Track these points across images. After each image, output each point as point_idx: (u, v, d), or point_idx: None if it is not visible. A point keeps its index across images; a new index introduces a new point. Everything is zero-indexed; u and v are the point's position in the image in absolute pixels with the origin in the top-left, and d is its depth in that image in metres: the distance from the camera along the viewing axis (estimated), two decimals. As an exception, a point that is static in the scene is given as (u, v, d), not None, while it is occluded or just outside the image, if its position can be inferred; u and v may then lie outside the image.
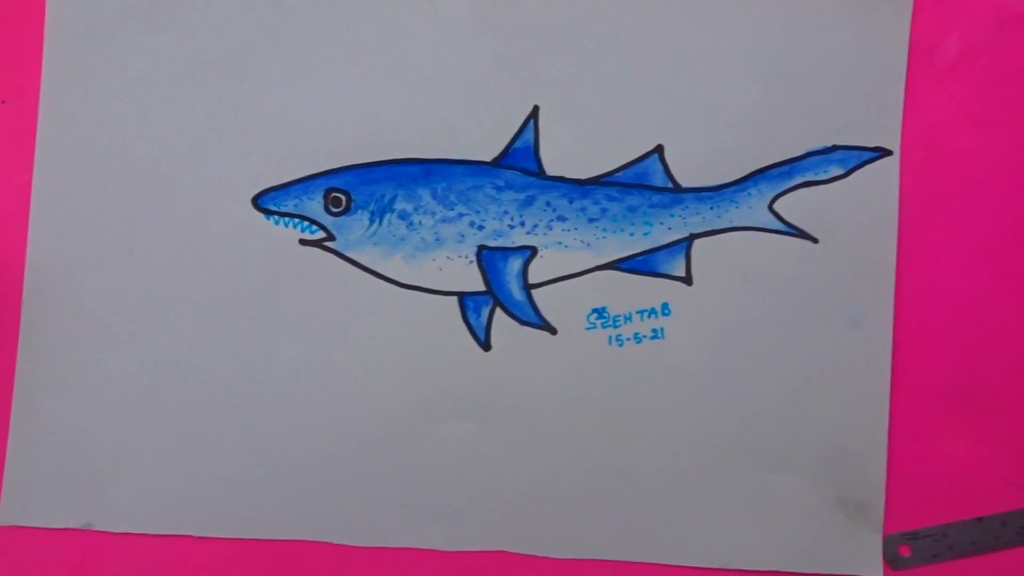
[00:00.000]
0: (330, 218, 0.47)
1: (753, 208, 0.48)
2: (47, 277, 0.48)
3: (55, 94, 0.48)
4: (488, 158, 0.47)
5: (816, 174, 0.47)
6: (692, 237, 0.48)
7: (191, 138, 0.48)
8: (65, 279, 0.48)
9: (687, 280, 0.48)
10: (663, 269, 0.48)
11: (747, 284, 0.48)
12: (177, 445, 0.48)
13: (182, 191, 0.48)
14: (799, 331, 0.48)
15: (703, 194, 0.48)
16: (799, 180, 0.48)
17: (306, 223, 0.48)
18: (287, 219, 0.47)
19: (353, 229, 0.47)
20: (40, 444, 0.48)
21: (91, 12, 0.47)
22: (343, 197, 0.47)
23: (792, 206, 0.48)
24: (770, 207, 0.48)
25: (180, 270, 0.48)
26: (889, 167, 0.48)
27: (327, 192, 0.47)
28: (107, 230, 0.48)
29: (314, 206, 0.47)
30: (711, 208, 0.48)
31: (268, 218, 0.48)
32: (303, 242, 0.48)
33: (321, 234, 0.48)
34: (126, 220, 0.48)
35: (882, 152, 0.48)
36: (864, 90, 0.47)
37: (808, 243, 0.48)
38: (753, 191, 0.48)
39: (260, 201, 0.47)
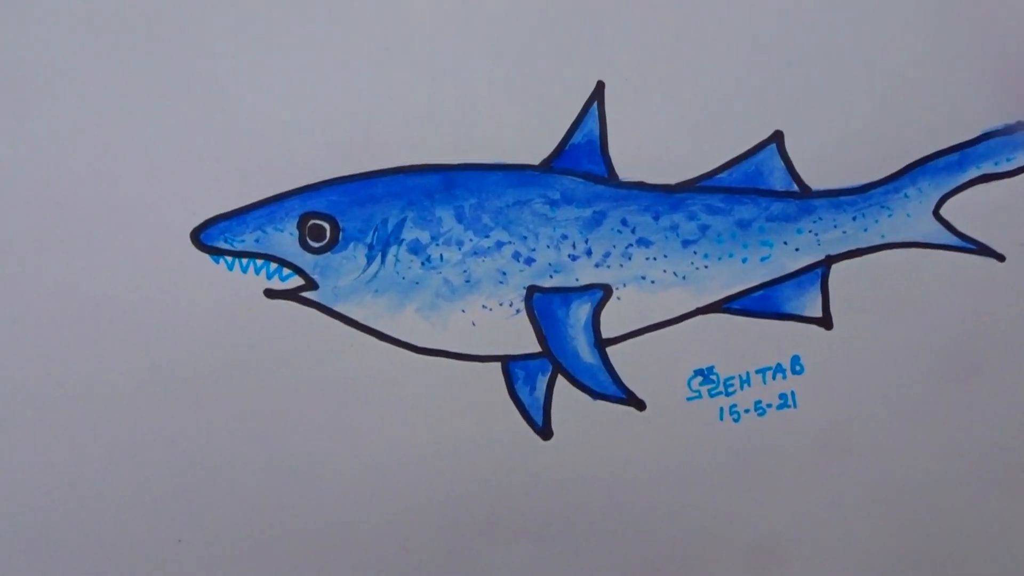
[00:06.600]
0: (309, 257, 0.41)
1: (913, 216, 0.42)
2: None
3: None
4: (535, 160, 0.41)
5: (996, 164, 0.42)
6: (829, 261, 0.43)
7: (101, 148, 0.40)
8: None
9: (825, 323, 0.43)
10: (790, 308, 0.43)
11: (908, 324, 0.43)
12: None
13: (91, 227, 0.40)
14: (982, 384, 0.43)
15: (842, 199, 0.42)
16: (973, 173, 0.42)
17: (274, 265, 0.41)
18: (246, 261, 0.41)
19: (343, 271, 0.41)
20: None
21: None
22: (327, 225, 0.41)
23: (966, 210, 0.43)
24: (936, 213, 0.43)
25: (93, 344, 0.41)
26: (1093, 149, 0.43)
27: (303, 219, 0.41)
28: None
29: (285, 240, 0.41)
30: (854, 218, 0.42)
31: (217, 261, 0.41)
32: (270, 293, 0.41)
33: (297, 280, 0.42)
34: (11, 274, 0.40)
35: (1081, 128, 0.42)
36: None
37: (991, 261, 0.43)
38: (912, 192, 0.42)
39: (204, 236, 0.41)
